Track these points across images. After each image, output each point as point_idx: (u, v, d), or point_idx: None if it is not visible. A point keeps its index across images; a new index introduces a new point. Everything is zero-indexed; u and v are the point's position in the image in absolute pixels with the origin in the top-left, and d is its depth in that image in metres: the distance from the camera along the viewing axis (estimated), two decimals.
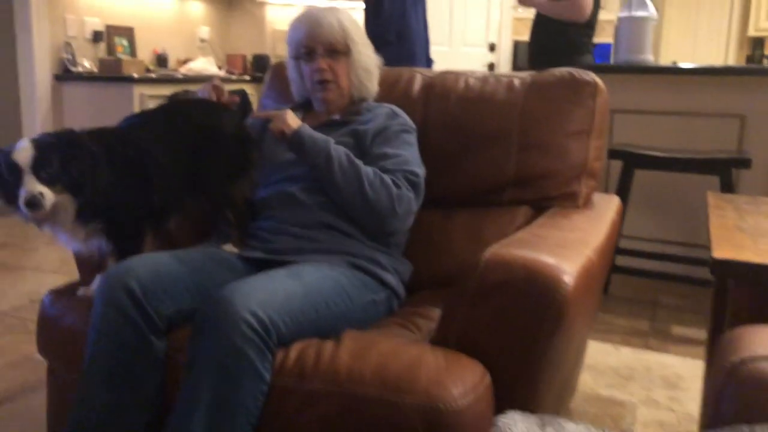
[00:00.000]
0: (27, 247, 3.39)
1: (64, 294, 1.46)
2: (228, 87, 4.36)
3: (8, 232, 3.54)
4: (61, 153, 1.26)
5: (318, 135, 1.45)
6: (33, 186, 1.22)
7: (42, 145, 1.25)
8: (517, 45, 5.87)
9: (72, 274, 1.55)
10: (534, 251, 1.12)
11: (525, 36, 5.77)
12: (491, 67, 5.74)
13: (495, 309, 1.09)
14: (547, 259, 1.08)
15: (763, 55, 7.20)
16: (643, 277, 2.75)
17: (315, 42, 1.56)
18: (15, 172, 1.23)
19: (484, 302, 1.09)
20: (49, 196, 1.23)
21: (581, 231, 1.35)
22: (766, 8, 7.07)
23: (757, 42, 7.30)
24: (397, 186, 1.43)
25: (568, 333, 1.11)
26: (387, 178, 1.42)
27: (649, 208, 2.96)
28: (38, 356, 1.48)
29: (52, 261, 3.18)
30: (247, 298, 1.12)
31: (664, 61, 6.43)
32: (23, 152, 1.23)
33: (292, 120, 1.46)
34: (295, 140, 1.44)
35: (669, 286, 2.84)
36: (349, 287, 1.34)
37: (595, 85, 1.59)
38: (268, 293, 1.16)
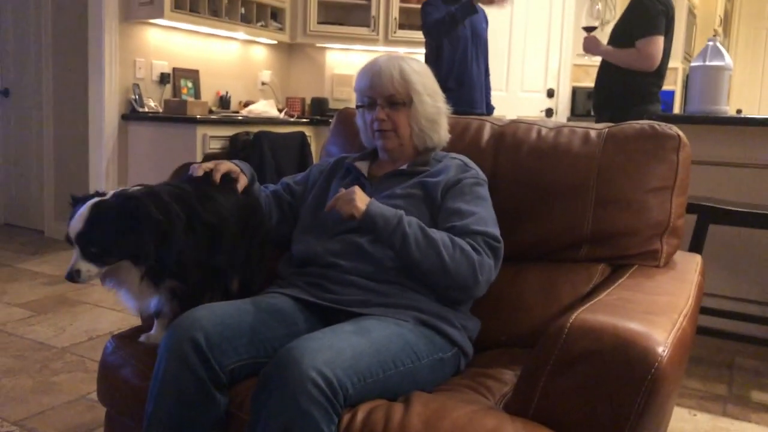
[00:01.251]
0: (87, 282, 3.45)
1: (126, 340, 1.45)
2: (287, 129, 4.44)
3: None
4: (115, 227, 1.24)
5: (388, 211, 1.37)
6: (75, 261, 1.24)
7: (95, 217, 1.24)
8: (575, 91, 5.81)
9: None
10: (624, 318, 1.04)
11: (584, 82, 5.75)
12: (549, 113, 5.68)
13: (581, 380, 1.01)
14: (639, 327, 1.00)
15: None
16: (718, 337, 2.58)
17: (375, 93, 1.55)
18: (68, 241, 1.26)
19: (569, 372, 1.02)
20: (87, 271, 1.24)
21: (669, 295, 1.26)
22: None
23: None
24: (477, 252, 1.36)
25: (662, 409, 1.02)
26: (466, 244, 1.36)
27: (723, 264, 2.81)
28: (96, 396, 1.47)
29: (111, 297, 3.21)
30: (314, 356, 1.07)
31: (730, 110, 6.23)
32: (74, 224, 1.24)
33: (360, 200, 1.37)
34: (366, 222, 1.37)
35: (745, 348, 2.67)
36: (417, 345, 1.27)
37: (678, 139, 1.51)
38: (336, 351, 1.11)
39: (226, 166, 1.54)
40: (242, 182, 1.55)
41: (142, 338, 1.43)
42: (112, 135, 3.98)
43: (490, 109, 3.93)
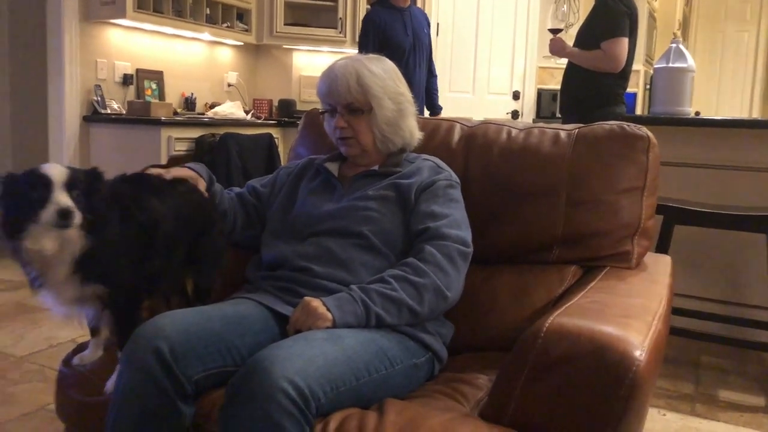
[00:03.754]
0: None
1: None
2: (254, 131, 4.40)
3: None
4: (88, 183, 1.19)
5: (348, 304, 1.25)
6: (65, 199, 1.13)
7: (72, 169, 1.18)
8: (540, 93, 5.87)
9: None
10: (600, 321, 1.03)
11: (549, 84, 5.81)
12: (515, 114, 5.72)
13: (558, 385, 0.99)
14: (616, 331, 0.99)
15: None
16: (684, 336, 2.61)
17: (334, 100, 1.52)
18: (43, 186, 1.13)
19: (546, 377, 1.00)
20: (77, 215, 1.13)
21: (642, 297, 1.25)
22: None
23: None
24: (442, 269, 1.32)
25: (640, 412, 1.01)
26: (428, 269, 1.30)
27: (688, 263, 2.85)
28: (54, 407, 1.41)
29: None
30: (284, 365, 1.04)
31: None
32: (56, 168, 1.15)
33: (323, 313, 1.23)
34: (340, 327, 1.24)
35: (710, 346, 2.71)
36: (390, 350, 1.25)
37: (648, 139, 1.52)
38: (307, 359, 1.07)
39: (180, 171, 1.49)
40: (201, 186, 1.50)
41: (75, 360, 1.36)
42: (73, 137, 3.86)
43: (437, 109, 4.05)
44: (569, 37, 3.45)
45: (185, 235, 1.39)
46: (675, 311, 2.65)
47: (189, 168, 1.53)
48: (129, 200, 1.28)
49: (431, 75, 3.95)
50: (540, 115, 5.85)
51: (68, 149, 3.85)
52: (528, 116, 5.81)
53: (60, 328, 2.75)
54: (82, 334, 2.56)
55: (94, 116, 3.88)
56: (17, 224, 1.15)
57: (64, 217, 1.12)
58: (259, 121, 4.47)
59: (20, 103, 4.25)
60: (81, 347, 1.42)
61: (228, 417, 1.04)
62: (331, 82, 1.50)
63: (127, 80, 4.09)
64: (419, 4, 4.84)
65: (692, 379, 2.44)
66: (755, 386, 2.39)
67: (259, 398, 1.01)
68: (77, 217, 1.14)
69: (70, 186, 1.15)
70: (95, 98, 3.88)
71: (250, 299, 1.35)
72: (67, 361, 1.37)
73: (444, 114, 5.47)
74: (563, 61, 3.43)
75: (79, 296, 1.23)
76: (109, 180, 1.33)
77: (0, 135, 4.36)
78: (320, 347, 1.12)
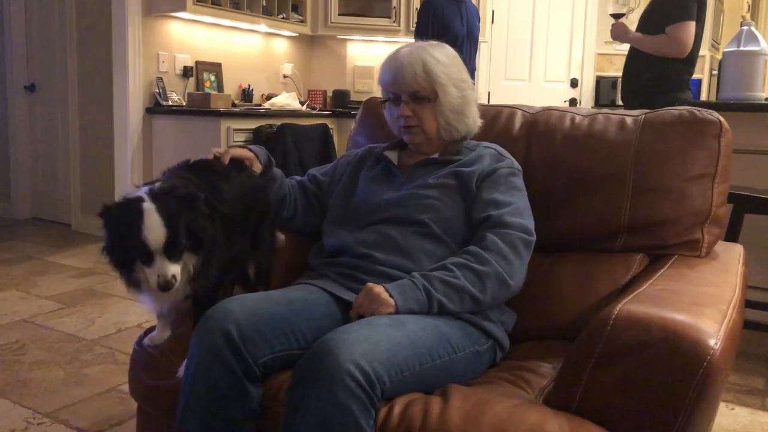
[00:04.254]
0: (114, 274, 3.47)
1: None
2: (310, 121, 4.48)
3: (95, 258, 3.64)
4: (187, 220, 1.17)
5: (412, 291, 1.25)
6: (166, 269, 1.15)
7: (170, 217, 1.15)
8: (599, 81, 5.72)
9: None
10: (671, 309, 1.00)
11: (608, 72, 5.66)
12: (573, 102, 5.60)
13: (627, 373, 0.97)
14: (689, 319, 0.97)
15: None
16: (756, 329, 2.52)
17: (399, 89, 1.50)
18: (144, 251, 1.15)
19: (614, 365, 0.98)
20: (179, 275, 1.17)
21: (714, 286, 1.21)
22: None
23: None
24: (505, 258, 1.30)
25: (713, 403, 0.98)
26: (491, 258, 1.29)
27: (759, 254, 2.73)
28: (126, 388, 1.46)
29: None
30: (350, 348, 1.05)
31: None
32: (154, 233, 1.13)
33: (386, 299, 1.23)
34: (403, 313, 1.24)
35: None
36: (453, 337, 1.25)
37: (719, 124, 1.46)
38: (372, 343, 1.08)
39: (237, 151, 1.51)
40: (256, 167, 1.52)
41: (146, 341, 1.41)
42: (136, 129, 4.00)
43: None
44: (631, 23, 3.35)
45: (251, 221, 1.42)
46: (747, 303, 2.56)
47: (248, 149, 1.55)
48: (209, 195, 1.27)
49: (472, 69, 4.02)
50: (599, 103, 5.71)
51: (132, 140, 3.98)
52: (586, 104, 5.68)
53: (127, 314, 2.86)
54: (149, 319, 2.66)
55: (156, 108, 4.00)
56: (124, 260, 1.20)
57: (166, 289, 1.16)
58: (314, 111, 4.52)
59: (87, 94, 4.41)
60: (150, 330, 1.47)
61: (295, 399, 1.06)
62: (396, 70, 1.50)
63: (187, 72, 4.20)
64: None
65: (763, 373, 2.35)
66: None
67: (326, 380, 1.02)
68: (179, 280, 1.17)
69: (171, 249, 1.15)
70: (157, 90, 4.00)
71: (313, 285, 1.38)
72: (139, 343, 1.42)
73: (499, 102, 5.42)
74: (623, 48, 3.33)
75: (181, 299, 1.29)
76: (175, 169, 1.36)
77: (70, 124, 4.54)
78: (385, 332, 1.13)
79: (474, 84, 4.20)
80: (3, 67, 4.87)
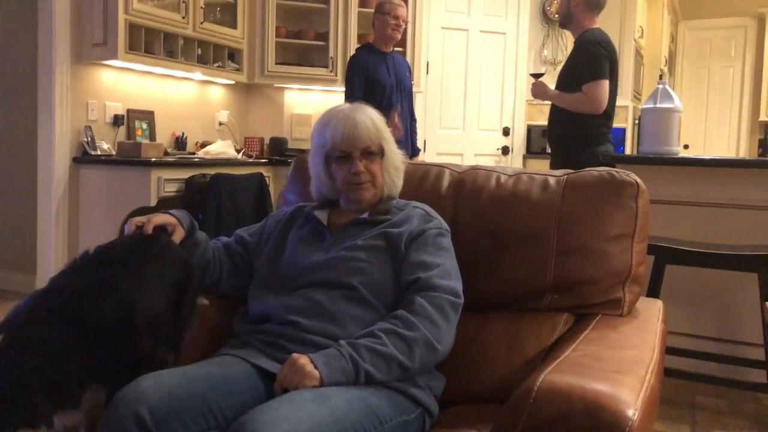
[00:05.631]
0: None
1: None
2: (246, 170, 4.42)
3: None
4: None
5: (337, 360, 1.22)
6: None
7: None
8: (530, 129, 5.92)
9: None
10: (591, 379, 1.01)
11: (538, 120, 5.86)
12: (505, 150, 5.76)
13: None
14: (608, 389, 0.98)
15: None
16: (678, 377, 2.59)
17: (352, 146, 1.50)
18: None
19: None
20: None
21: (634, 349, 1.24)
22: None
23: None
24: (432, 322, 1.29)
25: None
26: (418, 322, 1.28)
27: (680, 301, 2.84)
28: None
29: None
30: (269, 430, 1.01)
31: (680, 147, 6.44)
32: None
33: (310, 371, 1.20)
34: (329, 385, 1.21)
35: (706, 387, 2.68)
36: (380, 408, 1.22)
37: (636, 186, 1.52)
38: (293, 424, 1.05)
39: (160, 218, 1.47)
40: (178, 234, 1.48)
41: None
42: (62, 179, 3.85)
43: (415, 151, 4.21)
44: (552, 78, 3.50)
45: (167, 308, 1.34)
46: (669, 350, 2.63)
47: (170, 214, 1.51)
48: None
49: (412, 119, 4.09)
50: (530, 150, 5.90)
51: (57, 192, 3.83)
52: (518, 152, 5.85)
53: None
54: None
55: (83, 157, 3.87)
56: None
57: None
58: (251, 159, 4.48)
59: (9, 144, 4.24)
60: None
61: None
62: (352, 128, 1.49)
63: (117, 121, 4.10)
64: (409, 43, 4.92)
65: (688, 420, 2.41)
66: (752, 426, 2.36)
67: None
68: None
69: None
70: (85, 139, 3.88)
71: (235, 356, 1.33)
72: None
73: (435, 150, 5.52)
74: None
75: None
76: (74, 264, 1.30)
77: None
78: (306, 409, 1.09)
79: (416, 133, 4.27)
80: None
